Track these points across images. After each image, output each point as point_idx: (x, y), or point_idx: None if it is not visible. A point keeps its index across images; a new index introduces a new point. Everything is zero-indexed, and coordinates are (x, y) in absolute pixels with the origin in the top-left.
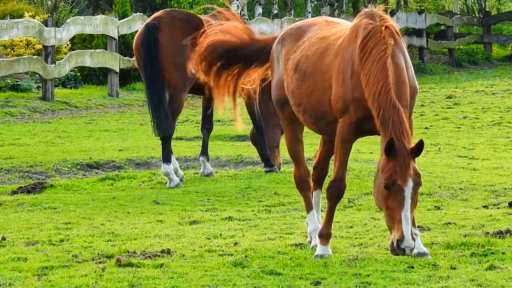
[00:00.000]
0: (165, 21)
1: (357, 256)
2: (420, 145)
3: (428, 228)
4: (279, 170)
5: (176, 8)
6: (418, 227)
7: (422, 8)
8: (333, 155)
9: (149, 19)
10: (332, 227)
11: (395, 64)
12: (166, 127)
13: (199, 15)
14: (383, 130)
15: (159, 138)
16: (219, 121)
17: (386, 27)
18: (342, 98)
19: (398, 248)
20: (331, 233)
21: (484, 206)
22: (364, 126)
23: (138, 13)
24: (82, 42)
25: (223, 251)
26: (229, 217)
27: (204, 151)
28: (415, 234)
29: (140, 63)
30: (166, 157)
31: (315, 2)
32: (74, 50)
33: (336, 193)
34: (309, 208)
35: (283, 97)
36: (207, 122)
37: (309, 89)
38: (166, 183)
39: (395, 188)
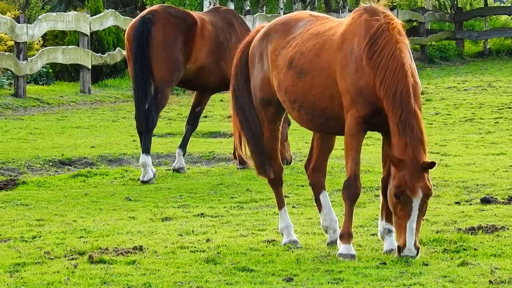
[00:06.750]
0: (160, 16)
1: (329, 253)
2: (432, 165)
3: None
4: (291, 163)
5: (172, 5)
6: None
7: (394, 4)
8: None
9: (144, 11)
10: (352, 227)
11: (408, 65)
12: (148, 119)
13: (195, 15)
14: (399, 135)
15: (139, 130)
16: None
17: (393, 25)
18: (348, 92)
19: (399, 254)
20: (352, 233)
21: (456, 203)
22: (371, 120)
23: (110, 9)
24: (54, 38)
25: (195, 247)
26: (201, 214)
27: (183, 146)
28: (389, 231)
29: (131, 54)
30: (146, 148)
31: None
32: (46, 46)
33: (353, 192)
34: (281, 204)
35: (268, 96)
36: (193, 119)
37: (307, 86)
38: (139, 177)
39: (404, 198)
